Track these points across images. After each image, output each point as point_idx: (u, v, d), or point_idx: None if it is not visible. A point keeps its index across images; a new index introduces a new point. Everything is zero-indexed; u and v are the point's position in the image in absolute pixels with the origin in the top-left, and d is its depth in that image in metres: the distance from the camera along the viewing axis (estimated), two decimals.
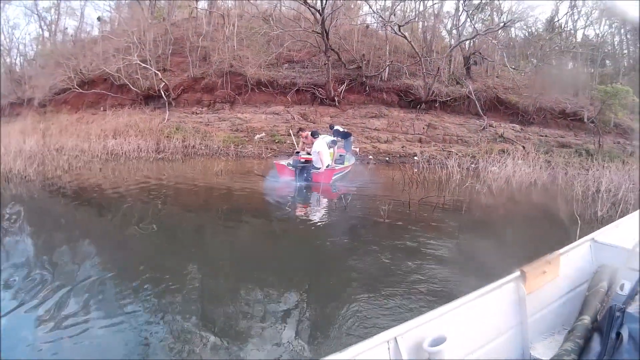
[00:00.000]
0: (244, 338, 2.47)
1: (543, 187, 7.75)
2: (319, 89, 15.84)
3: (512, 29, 18.76)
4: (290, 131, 11.70)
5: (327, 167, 7.70)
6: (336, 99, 15.71)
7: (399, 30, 14.64)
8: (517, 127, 15.31)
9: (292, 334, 2.54)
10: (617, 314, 1.56)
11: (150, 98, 17.39)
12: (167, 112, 15.52)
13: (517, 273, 1.75)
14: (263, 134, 13.54)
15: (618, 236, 2.21)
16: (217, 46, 17.38)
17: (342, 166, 8.74)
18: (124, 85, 17.72)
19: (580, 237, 2.23)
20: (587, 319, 1.71)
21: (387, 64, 16.11)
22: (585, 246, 2.17)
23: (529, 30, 19.07)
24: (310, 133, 8.34)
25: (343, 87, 15.92)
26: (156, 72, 15.95)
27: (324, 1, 13.43)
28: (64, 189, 7.19)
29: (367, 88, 16.11)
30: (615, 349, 1.48)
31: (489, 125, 15.15)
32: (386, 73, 16.22)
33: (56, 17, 25.26)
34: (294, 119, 14.92)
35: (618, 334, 1.51)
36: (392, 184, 8.70)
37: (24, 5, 28.72)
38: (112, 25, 24.47)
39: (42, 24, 25.22)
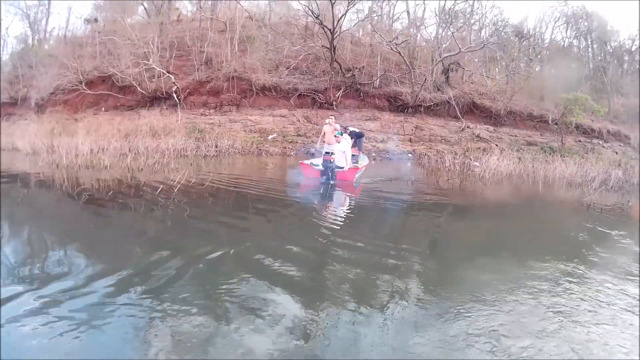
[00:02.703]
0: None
1: (517, 174, 10.38)
2: (319, 94, 17.56)
3: (483, 33, 21.14)
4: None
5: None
6: (334, 103, 17.51)
7: (396, 48, 16.67)
8: (491, 128, 17.80)
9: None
10: None
11: (156, 99, 18.34)
12: (180, 113, 16.63)
13: None
14: (275, 135, 15.07)
15: None
16: (220, 52, 18.64)
17: (363, 164, 9.63)
18: (126, 86, 18.56)
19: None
20: None
21: (380, 74, 18.11)
22: None
23: (499, 34, 21.25)
24: (336, 133, 8.87)
25: (340, 92, 17.75)
26: (169, 75, 17.01)
27: (335, 22, 15.25)
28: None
29: (361, 94, 18.05)
30: None
31: (467, 127, 17.51)
32: (378, 81, 18.22)
33: (45, 16, 25.44)
34: (299, 121, 16.57)
35: None
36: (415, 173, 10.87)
37: (10, 3, 28.51)
38: (97, 26, 24.84)
39: (28, 22, 25.35)
